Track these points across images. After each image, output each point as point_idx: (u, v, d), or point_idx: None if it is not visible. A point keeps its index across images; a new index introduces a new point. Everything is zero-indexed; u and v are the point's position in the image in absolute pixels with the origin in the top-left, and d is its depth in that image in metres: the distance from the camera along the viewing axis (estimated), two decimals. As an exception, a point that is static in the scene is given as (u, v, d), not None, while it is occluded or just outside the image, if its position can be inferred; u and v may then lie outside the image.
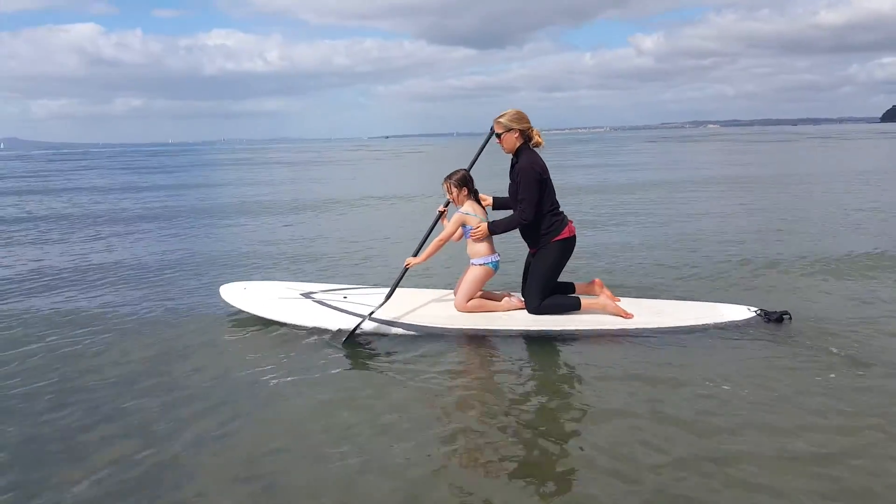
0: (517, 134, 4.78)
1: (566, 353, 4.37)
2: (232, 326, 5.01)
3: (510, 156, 4.85)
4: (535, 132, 4.85)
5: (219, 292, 5.37)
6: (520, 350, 4.46)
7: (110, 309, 5.61)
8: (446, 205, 5.05)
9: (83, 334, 4.88)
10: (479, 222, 4.86)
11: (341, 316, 4.81)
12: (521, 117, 4.82)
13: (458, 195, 4.90)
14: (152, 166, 39.68)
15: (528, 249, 4.97)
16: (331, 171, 29.38)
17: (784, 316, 4.79)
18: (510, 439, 3.17)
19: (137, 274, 7.12)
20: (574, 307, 4.80)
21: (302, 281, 6.03)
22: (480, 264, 4.87)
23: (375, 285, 5.69)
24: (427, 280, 6.22)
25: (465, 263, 4.96)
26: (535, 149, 4.86)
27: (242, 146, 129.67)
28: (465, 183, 4.91)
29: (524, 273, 4.99)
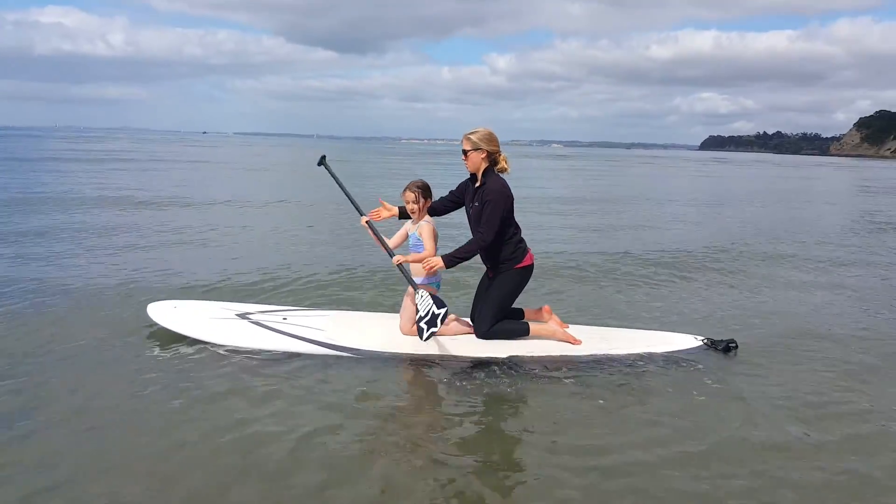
0: (484, 154, 4.69)
1: (512, 379, 4.41)
2: (163, 347, 4.80)
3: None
4: (502, 157, 4.76)
5: (146, 311, 5.10)
6: (465, 375, 4.47)
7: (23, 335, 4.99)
8: (363, 214, 4.88)
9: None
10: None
11: (281, 338, 4.80)
12: (491, 139, 4.72)
13: (423, 205, 4.83)
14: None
15: (486, 272, 4.91)
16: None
17: (730, 345, 4.95)
18: (445, 469, 3.27)
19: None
20: (524, 333, 4.85)
21: (232, 301, 5.77)
22: (425, 284, 4.82)
23: (315, 306, 5.66)
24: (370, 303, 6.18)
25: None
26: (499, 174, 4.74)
27: (80, 134, 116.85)
28: (430, 194, 4.88)
29: (476, 296, 4.98)
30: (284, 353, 4.69)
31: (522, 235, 4.91)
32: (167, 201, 14.65)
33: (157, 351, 4.76)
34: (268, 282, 7.01)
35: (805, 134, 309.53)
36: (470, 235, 4.82)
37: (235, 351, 4.70)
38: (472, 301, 5.07)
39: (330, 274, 7.50)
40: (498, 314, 4.82)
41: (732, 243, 10.97)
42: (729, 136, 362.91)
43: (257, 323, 4.97)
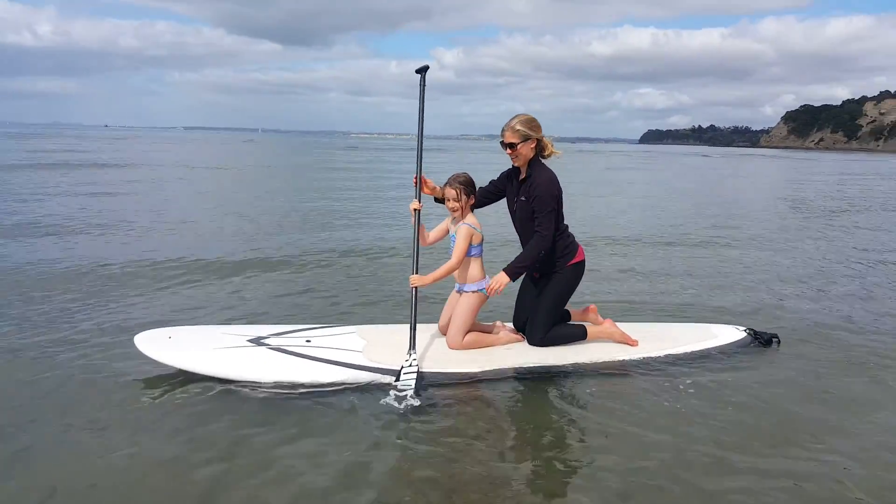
0: (534, 143, 4.19)
1: (572, 386, 4.07)
2: (158, 390, 3.85)
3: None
4: (548, 142, 4.27)
5: (133, 344, 4.10)
6: (522, 386, 4.06)
7: None
8: (419, 198, 4.24)
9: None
10: (481, 238, 4.31)
11: (314, 365, 4.03)
12: (536, 124, 4.22)
13: (465, 203, 4.26)
14: None
15: (530, 274, 4.46)
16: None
17: (773, 339, 4.83)
18: (517, 484, 2.99)
19: None
20: (581, 337, 4.46)
21: (237, 323, 4.90)
22: (474, 291, 4.31)
23: (338, 322, 4.93)
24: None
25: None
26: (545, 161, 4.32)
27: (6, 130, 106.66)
28: (474, 189, 4.31)
29: (518, 301, 4.56)
30: (317, 384, 3.92)
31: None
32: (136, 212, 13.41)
33: (149, 395, 3.81)
34: (277, 299, 6.09)
35: (737, 127, 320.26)
36: (512, 231, 4.47)
37: (254, 386, 3.89)
38: (513, 305, 4.62)
39: (346, 283, 6.82)
40: (553, 318, 4.39)
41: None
42: (666, 130, 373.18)
43: (277, 349, 4.18)
